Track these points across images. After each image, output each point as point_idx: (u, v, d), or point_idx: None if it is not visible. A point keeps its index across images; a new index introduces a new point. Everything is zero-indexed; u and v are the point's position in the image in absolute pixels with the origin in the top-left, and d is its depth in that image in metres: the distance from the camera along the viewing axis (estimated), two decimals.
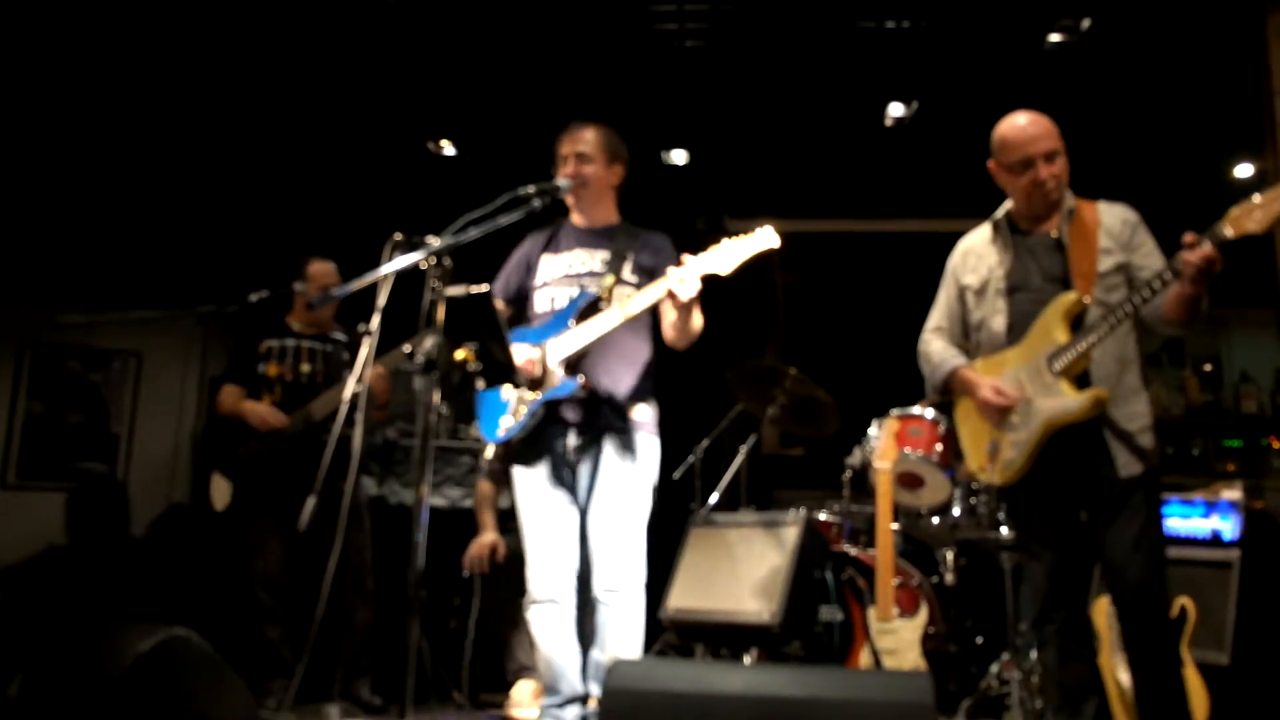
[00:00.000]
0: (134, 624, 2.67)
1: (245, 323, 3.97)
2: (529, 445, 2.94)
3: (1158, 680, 2.46)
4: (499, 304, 3.06)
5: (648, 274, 2.93)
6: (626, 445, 2.86)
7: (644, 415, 2.91)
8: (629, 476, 2.84)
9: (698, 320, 2.83)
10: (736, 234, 2.74)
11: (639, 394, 2.91)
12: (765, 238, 2.70)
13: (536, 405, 2.83)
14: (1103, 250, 2.57)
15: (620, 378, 2.88)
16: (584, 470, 2.87)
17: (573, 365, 2.83)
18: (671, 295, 2.68)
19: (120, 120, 4.74)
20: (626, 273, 2.93)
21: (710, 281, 2.71)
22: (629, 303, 2.78)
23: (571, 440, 2.87)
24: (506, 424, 2.87)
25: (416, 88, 4.77)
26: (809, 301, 6.37)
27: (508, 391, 2.88)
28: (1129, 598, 2.48)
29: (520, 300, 3.06)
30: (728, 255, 2.68)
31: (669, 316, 2.81)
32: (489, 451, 2.99)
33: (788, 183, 5.64)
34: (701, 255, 2.69)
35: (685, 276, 2.65)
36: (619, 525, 2.80)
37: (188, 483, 5.56)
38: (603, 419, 2.85)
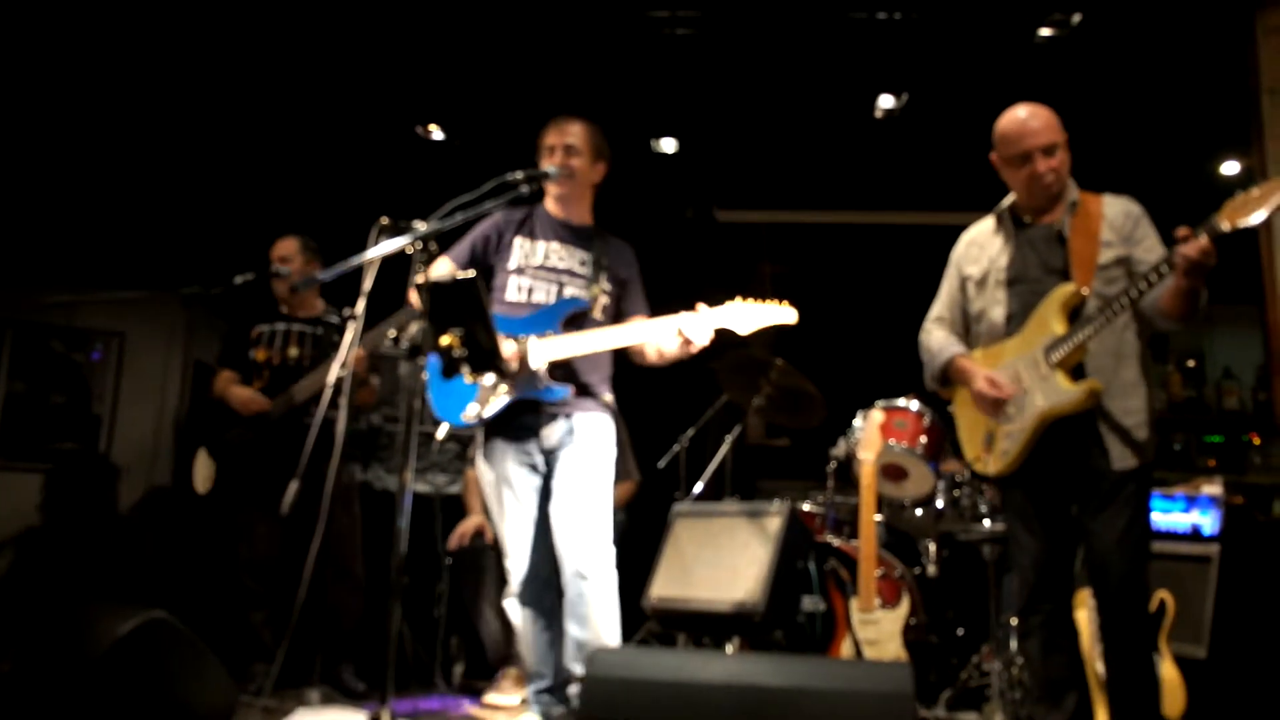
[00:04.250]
0: (114, 606, 2.66)
1: (239, 307, 3.96)
2: (496, 440, 2.93)
3: (1130, 672, 2.48)
4: (453, 267, 3.01)
5: (620, 285, 3.00)
6: (589, 431, 2.88)
7: (607, 402, 2.95)
8: (592, 461, 2.86)
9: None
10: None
11: (601, 383, 2.97)
12: (786, 314, 2.77)
13: (513, 400, 2.82)
14: (1104, 243, 2.57)
15: (587, 372, 2.92)
16: (554, 457, 2.88)
17: (555, 368, 2.83)
18: (685, 340, 2.74)
19: (106, 101, 4.70)
20: (604, 280, 2.96)
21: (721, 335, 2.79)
22: (639, 329, 2.84)
23: (546, 430, 2.88)
24: (473, 410, 2.85)
25: (405, 72, 4.74)
26: (796, 292, 6.36)
27: (474, 377, 2.85)
28: (1110, 590, 2.49)
29: (479, 272, 3.03)
30: (748, 319, 2.75)
31: (666, 348, 2.85)
32: (440, 432, 2.97)
33: (777, 173, 5.63)
34: (720, 311, 2.75)
35: (702, 329, 2.72)
36: (588, 507, 2.81)
37: (170, 465, 5.53)
38: (569, 409, 2.87)
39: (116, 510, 5.37)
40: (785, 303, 2.79)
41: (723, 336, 2.82)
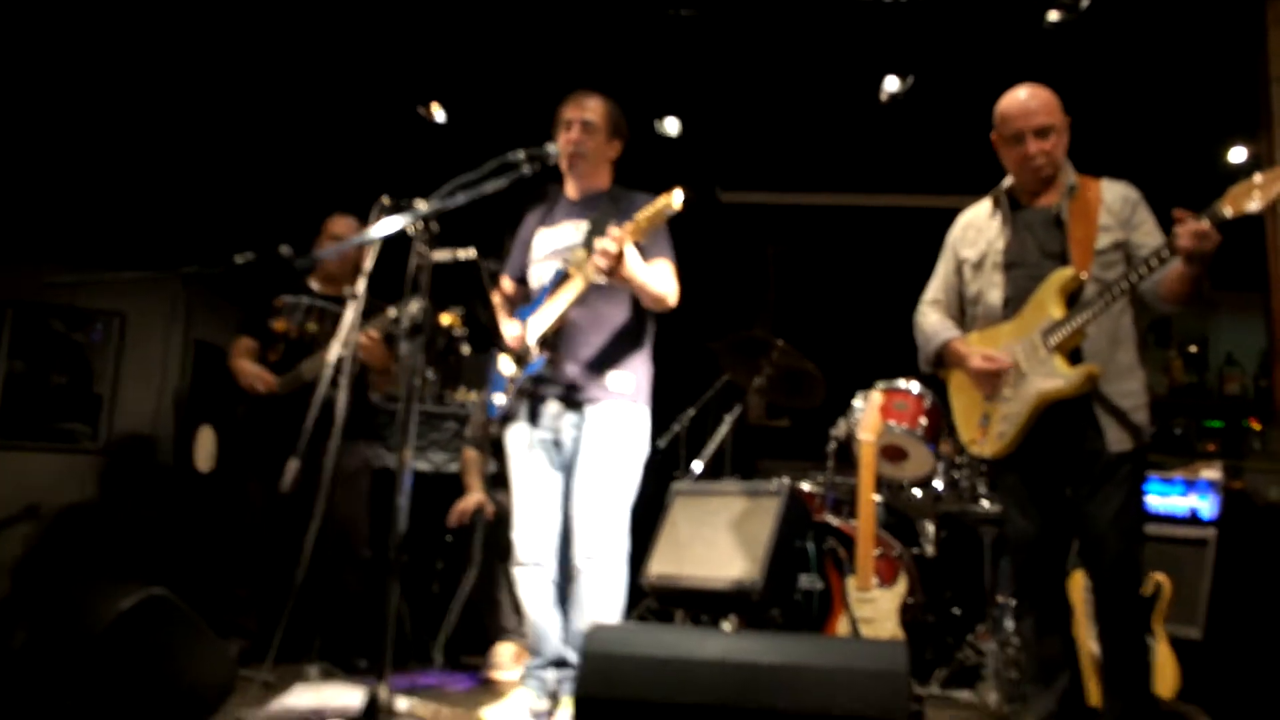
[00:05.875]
0: (114, 583, 2.67)
1: (264, 276, 3.95)
2: (517, 413, 2.98)
3: (1125, 653, 2.49)
4: (509, 285, 3.07)
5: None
6: (607, 415, 2.87)
7: (625, 384, 2.90)
8: (609, 446, 2.85)
9: (654, 286, 2.80)
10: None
11: (619, 361, 2.91)
12: (672, 198, 2.63)
13: (520, 382, 2.87)
14: (1102, 227, 2.56)
15: (598, 347, 2.89)
16: (568, 438, 2.89)
17: (548, 341, 2.84)
18: (605, 271, 2.64)
19: (107, 80, 4.68)
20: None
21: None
22: (573, 286, 2.78)
23: (553, 409, 2.89)
24: (500, 400, 2.93)
25: (407, 51, 4.71)
26: (799, 273, 6.37)
27: (505, 365, 2.91)
28: (1104, 571, 2.51)
29: (526, 279, 3.07)
30: (638, 222, 2.65)
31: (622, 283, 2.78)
32: (493, 429, 3.03)
33: (781, 154, 5.61)
34: (613, 229, 2.65)
35: (603, 249, 2.61)
36: (598, 494, 2.82)
37: (170, 444, 5.54)
38: (581, 389, 2.86)
39: (116, 489, 5.39)
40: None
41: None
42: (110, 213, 5.16)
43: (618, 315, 2.92)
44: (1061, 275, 2.55)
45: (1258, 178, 2.19)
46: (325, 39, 4.60)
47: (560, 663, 2.93)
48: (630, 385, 2.91)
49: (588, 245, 2.87)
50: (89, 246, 5.00)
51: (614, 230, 2.63)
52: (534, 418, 2.93)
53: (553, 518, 2.91)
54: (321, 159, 5.25)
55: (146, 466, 5.49)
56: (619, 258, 2.61)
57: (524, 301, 3.03)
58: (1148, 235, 2.55)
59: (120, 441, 5.47)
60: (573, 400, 2.87)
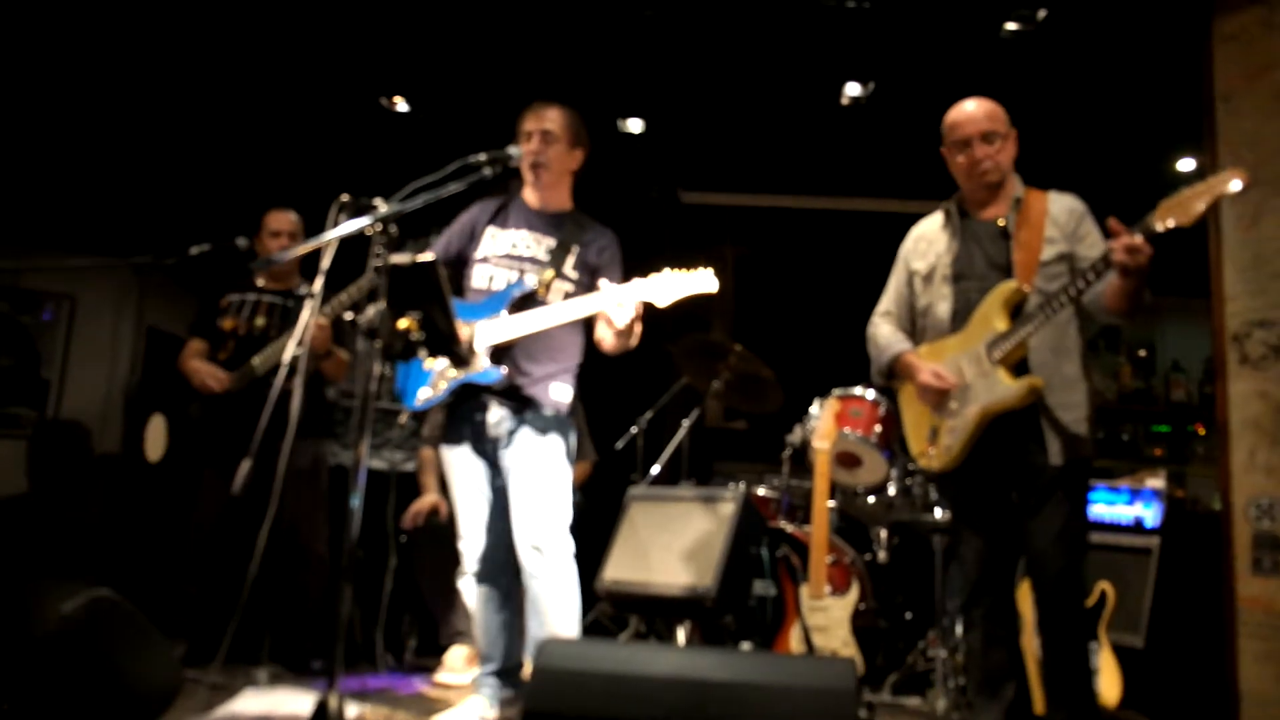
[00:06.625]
0: (59, 583, 2.62)
1: (211, 276, 3.89)
2: (453, 421, 2.94)
3: (1067, 663, 2.54)
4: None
5: (590, 272, 2.91)
6: (542, 425, 2.85)
7: (561, 395, 2.90)
8: (545, 454, 2.83)
9: (635, 342, 2.81)
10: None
11: (561, 376, 2.91)
12: (705, 280, 2.64)
13: (456, 385, 2.82)
14: (1047, 239, 2.60)
15: (544, 367, 2.87)
16: (503, 447, 2.87)
17: (499, 353, 2.81)
18: (606, 317, 2.66)
19: (64, 66, 4.56)
20: (569, 267, 2.91)
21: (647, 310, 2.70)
22: (564, 309, 2.76)
23: (490, 417, 2.86)
24: (425, 395, 2.87)
25: (370, 42, 4.65)
26: (758, 276, 6.39)
27: (431, 362, 2.86)
28: (1048, 584, 2.55)
29: (457, 265, 3.02)
30: (667, 289, 2.64)
31: (605, 328, 2.79)
32: (403, 418, 2.95)
33: (743, 156, 5.63)
34: (642, 282, 2.65)
35: (623, 302, 2.62)
36: (539, 500, 2.80)
37: (119, 432, 5.44)
38: (521, 401, 2.84)
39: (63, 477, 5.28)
40: (712, 269, 2.65)
41: (681, 313, 2.77)
42: (62, 195, 5.04)
43: (564, 339, 2.91)
44: (1005, 288, 2.59)
45: (1186, 191, 2.24)
46: (286, 27, 4.52)
47: (516, 668, 2.92)
48: (567, 396, 2.92)
49: (555, 266, 2.88)
50: (39, 228, 4.87)
51: (632, 292, 2.63)
52: (475, 427, 2.89)
53: (499, 524, 2.89)
54: (282, 149, 5.17)
55: (94, 454, 5.38)
56: (635, 321, 2.65)
57: (455, 292, 2.99)
58: (1092, 248, 2.58)
59: (67, 427, 5.36)
60: (512, 410, 2.85)
